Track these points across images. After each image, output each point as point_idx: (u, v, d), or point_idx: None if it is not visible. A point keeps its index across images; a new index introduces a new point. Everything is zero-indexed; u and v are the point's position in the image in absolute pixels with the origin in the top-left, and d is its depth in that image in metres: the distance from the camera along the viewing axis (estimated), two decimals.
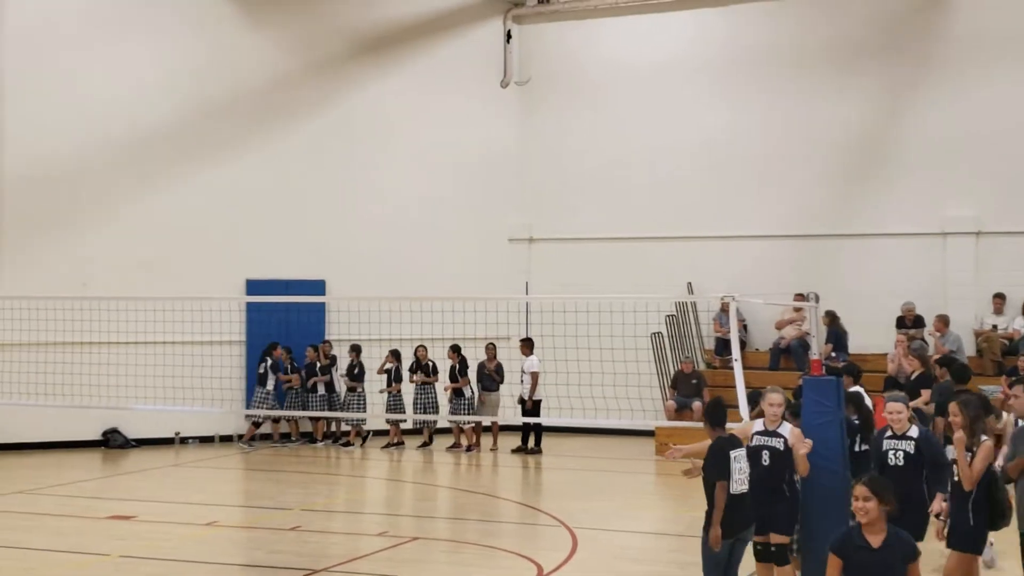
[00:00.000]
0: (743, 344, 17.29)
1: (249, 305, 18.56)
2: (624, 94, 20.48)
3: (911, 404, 9.48)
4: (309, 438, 19.03)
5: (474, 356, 18.07)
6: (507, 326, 17.89)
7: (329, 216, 19.60)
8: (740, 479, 7.52)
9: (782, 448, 7.98)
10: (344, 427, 18.97)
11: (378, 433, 18.90)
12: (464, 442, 18.27)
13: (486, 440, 18.41)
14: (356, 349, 18.55)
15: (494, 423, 18.28)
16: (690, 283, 19.13)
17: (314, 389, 18.70)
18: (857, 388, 10.51)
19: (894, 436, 8.18)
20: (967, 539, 7.44)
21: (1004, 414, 10.22)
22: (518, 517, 13.21)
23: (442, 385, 18.16)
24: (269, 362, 18.53)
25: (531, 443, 18.02)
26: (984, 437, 7.51)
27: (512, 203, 20.95)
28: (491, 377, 18.08)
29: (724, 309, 17.57)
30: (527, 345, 18.19)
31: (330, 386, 18.74)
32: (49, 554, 10.49)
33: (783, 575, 8.05)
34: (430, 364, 18.14)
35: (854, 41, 19.24)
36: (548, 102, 21.01)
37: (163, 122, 18.76)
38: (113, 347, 16.99)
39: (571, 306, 15.93)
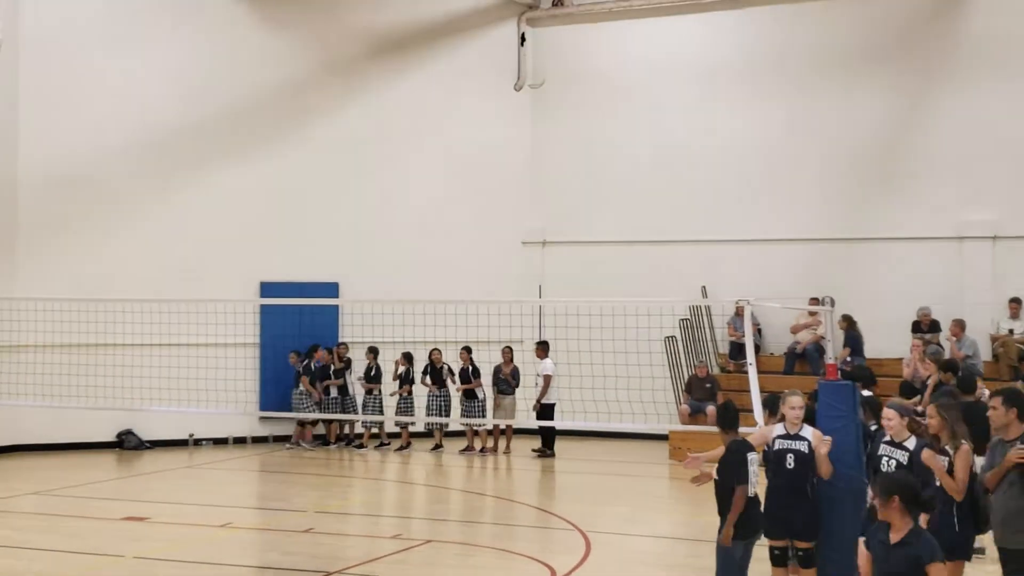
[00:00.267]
0: (757, 348, 17.06)
1: (263, 307, 18.60)
2: (638, 97, 20.43)
3: (910, 405, 9.41)
4: (322, 440, 19.07)
5: (488, 359, 18.05)
6: (520, 329, 17.83)
7: (343, 219, 19.63)
8: (753, 481, 7.82)
9: (806, 451, 8.04)
10: (358, 429, 18.99)
11: (389, 435, 18.89)
12: (477, 445, 18.25)
13: (501, 444, 18.40)
14: (373, 351, 18.54)
15: (508, 426, 18.26)
16: (704, 287, 19.07)
17: (327, 392, 18.73)
18: (867, 393, 10.43)
19: (891, 443, 8.08)
20: (953, 546, 7.38)
21: None
22: (531, 521, 13.20)
23: (454, 387, 18.15)
24: (311, 363, 18.57)
25: (542, 447, 18.00)
26: (963, 442, 7.49)
27: (525, 206, 20.94)
28: (507, 381, 18.06)
29: (739, 313, 17.59)
30: (542, 348, 18.15)
31: (343, 389, 18.76)
32: (64, 555, 10.53)
33: None
34: (444, 367, 18.14)
35: (871, 45, 19.16)
36: (562, 105, 20.97)
37: (178, 125, 18.83)
38: (128, 349, 17.11)
39: (584, 309, 15.88)
